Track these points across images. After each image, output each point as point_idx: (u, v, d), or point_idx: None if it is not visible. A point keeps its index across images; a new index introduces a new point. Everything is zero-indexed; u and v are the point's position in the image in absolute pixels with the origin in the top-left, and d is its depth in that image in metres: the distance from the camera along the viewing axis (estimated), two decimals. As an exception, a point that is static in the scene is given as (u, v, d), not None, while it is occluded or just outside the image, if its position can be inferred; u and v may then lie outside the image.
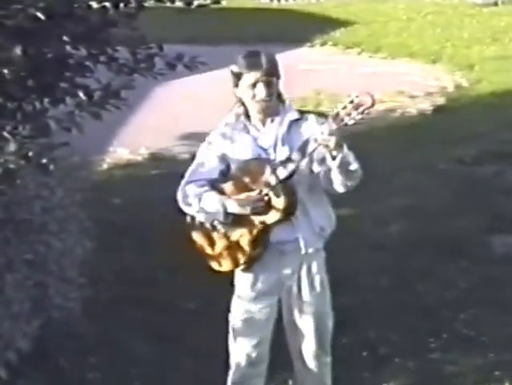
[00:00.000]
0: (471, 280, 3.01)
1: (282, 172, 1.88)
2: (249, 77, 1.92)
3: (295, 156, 1.86)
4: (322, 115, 1.97)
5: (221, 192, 1.96)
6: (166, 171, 4.43)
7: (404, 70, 7.10)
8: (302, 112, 2.00)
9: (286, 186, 1.90)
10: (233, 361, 2.10)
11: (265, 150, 1.96)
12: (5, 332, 2.09)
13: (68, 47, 2.02)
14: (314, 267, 2.01)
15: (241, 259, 1.97)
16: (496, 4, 10.18)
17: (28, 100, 2.05)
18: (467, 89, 6.33)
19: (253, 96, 1.93)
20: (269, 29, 8.50)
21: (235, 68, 1.94)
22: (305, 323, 2.04)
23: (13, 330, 2.10)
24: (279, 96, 1.99)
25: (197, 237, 2.02)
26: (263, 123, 1.98)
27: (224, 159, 1.99)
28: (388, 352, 2.52)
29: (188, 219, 2.03)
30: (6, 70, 1.91)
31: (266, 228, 1.94)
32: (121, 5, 2.08)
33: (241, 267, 2.00)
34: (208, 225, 1.99)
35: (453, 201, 3.78)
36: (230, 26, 8.87)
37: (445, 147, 4.62)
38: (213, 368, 2.40)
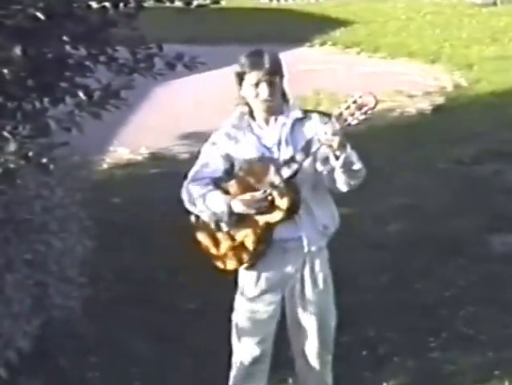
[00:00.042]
0: (470, 279, 3.02)
1: (286, 172, 1.89)
2: (252, 76, 1.92)
3: (299, 156, 1.87)
4: (325, 114, 1.97)
5: (226, 192, 1.96)
6: (166, 170, 4.43)
7: (403, 69, 7.11)
8: (305, 111, 2.00)
9: (290, 185, 1.90)
10: (235, 358, 2.10)
11: (268, 149, 1.97)
12: (5, 331, 2.09)
13: (68, 47, 2.02)
14: (318, 265, 2.01)
15: (246, 258, 1.98)
16: (495, 4, 10.18)
17: (28, 100, 2.05)
18: (466, 89, 6.33)
19: (256, 95, 1.94)
20: (268, 29, 8.50)
21: (238, 67, 1.95)
22: (308, 321, 2.04)
23: (13, 329, 2.11)
24: (283, 95, 1.99)
25: (201, 237, 2.03)
26: (267, 122, 1.99)
27: (228, 157, 2.00)
28: (388, 351, 2.53)
29: (193, 219, 2.04)
30: (5, 70, 1.91)
31: (270, 227, 1.95)
32: (121, 5, 2.08)
33: (245, 265, 2.00)
34: (212, 225, 1.99)
35: (453, 201, 3.79)
36: (230, 25, 8.87)
37: (444, 147, 4.63)
38: (213, 368, 2.40)
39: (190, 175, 2.03)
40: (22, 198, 2.33)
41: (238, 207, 1.93)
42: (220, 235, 1.99)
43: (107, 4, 2.05)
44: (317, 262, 2.01)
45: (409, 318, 2.74)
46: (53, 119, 1.98)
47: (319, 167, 1.93)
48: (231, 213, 1.93)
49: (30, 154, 1.85)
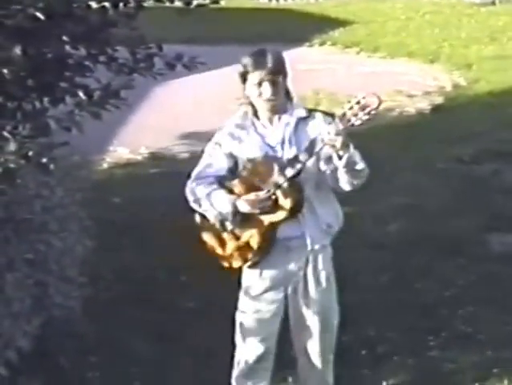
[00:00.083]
0: (469, 278, 3.02)
1: (290, 172, 1.90)
2: (255, 76, 1.93)
3: (302, 156, 1.88)
4: (328, 114, 1.98)
5: (230, 191, 1.97)
6: (166, 170, 4.44)
7: (402, 69, 7.11)
8: (309, 110, 2.01)
9: (293, 184, 1.91)
10: (238, 356, 2.11)
11: (272, 148, 1.97)
12: (5, 331, 2.09)
13: (68, 47, 2.03)
14: (321, 263, 2.02)
15: (251, 257, 1.99)
16: (494, 3, 10.20)
17: (28, 100, 2.06)
18: (465, 88, 6.34)
19: (260, 95, 1.94)
20: (268, 29, 8.51)
21: (241, 67, 1.96)
22: (310, 320, 2.05)
23: (13, 328, 2.11)
24: (287, 94, 1.99)
25: (207, 237, 2.04)
26: (271, 121, 1.99)
27: (232, 156, 2.00)
28: (387, 350, 2.53)
29: (198, 219, 2.05)
30: (5, 70, 1.92)
31: (274, 227, 1.96)
32: (120, 5, 2.09)
33: (249, 264, 2.01)
34: (217, 223, 1.99)
35: (452, 200, 3.79)
36: (229, 25, 8.88)
37: (444, 147, 4.64)
38: (213, 367, 2.41)
39: (194, 173, 2.04)
40: (23, 198, 2.34)
41: (243, 207, 1.94)
42: (226, 235, 1.99)
43: (106, 4, 2.05)
44: (320, 261, 2.01)
45: (409, 317, 2.74)
46: (53, 118, 1.99)
47: (323, 166, 1.94)
48: (236, 213, 1.94)
49: (30, 154, 1.85)
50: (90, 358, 2.49)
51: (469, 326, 2.67)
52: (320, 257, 2.01)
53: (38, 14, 1.89)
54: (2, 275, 2.13)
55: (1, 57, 1.92)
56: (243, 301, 2.06)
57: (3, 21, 1.93)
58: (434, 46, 7.86)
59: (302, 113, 1.98)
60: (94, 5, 2.03)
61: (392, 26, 9.15)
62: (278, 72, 1.94)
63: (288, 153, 1.94)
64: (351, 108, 1.78)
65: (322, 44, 8.47)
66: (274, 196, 1.92)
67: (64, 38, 2.00)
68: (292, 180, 1.90)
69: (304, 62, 7.10)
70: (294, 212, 1.93)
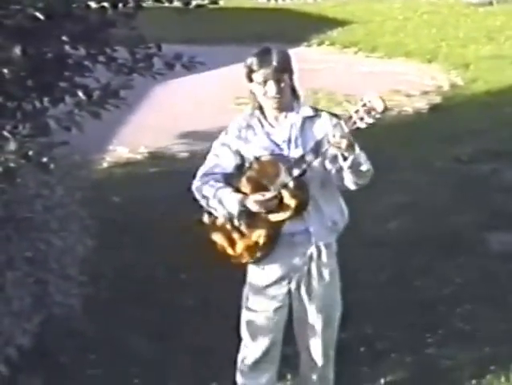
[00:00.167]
0: (468, 276, 3.03)
1: (295, 171, 1.91)
2: (260, 74, 1.94)
3: (309, 156, 1.89)
4: (334, 115, 1.99)
5: (236, 189, 1.98)
6: (165, 169, 4.45)
7: (400, 69, 7.13)
8: (316, 110, 2.02)
9: (299, 183, 1.93)
10: (244, 349, 2.12)
11: (278, 146, 1.99)
12: (5, 329, 2.11)
13: (67, 47, 2.04)
14: (325, 258, 2.03)
15: (258, 254, 2.01)
16: (491, 3, 10.22)
17: (28, 100, 2.07)
18: (462, 88, 6.36)
19: (265, 93, 1.96)
20: (266, 29, 8.52)
21: (247, 65, 1.97)
22: (313, 315, 2.06)
23: (13, 326, 2.12)
24: (293, 92, 2.00)
25: (217, 237, 2.05)
26: (277, 119, 2.00)
27: (238, 153, 2.02)
28: (386, 347, 2.54)
29: (207, 219, 2.06)
30: (5, 70, 1.93)
31: (279, 225, 1.97)
32: (120, 5, 2.10)
33: (254, 260, 2.03)
34: (225, 220, 2.01)
35: (450, 199, 3.81)
36: (228, 25, 8.89)
37: (441, 146, 4.65)
38: (213, 365, 2.42)
39: (201, 171, 2.05)
40: (23, 197, 2.35)
41: (251, 206, 1.96)
42: (235, 235, 2.01)
43: (106, 4, 2.07)
44: (324, 256, 2.03)
45: (407, 314, 2.75)
46: (53, 118, 2.00)
47: (328, 165, 1.95)
48: (243, 212, 1.96)
49: (31, 153, 1.86)
50: (90, 356, 2.50)
51: (467, 324, 2.68)
52: (324, 253, 2.03)
53: (38, 14, 1.91)
54: (2, 273, 2.14)
55: (1, 57, 1.93)
56: (248, 296, 2.08)
57: (3, 21, 1.94)
58: (432, 46, 7.88)
59: (309, 112, 1.99)
60: (93, 5, 2.04)
61: (390, 25, 9.17)
62: (283, 70, 1.95)
63: (294, 152, 1.96)
64: (357, 111, 1.79)
65: (320, 44, 8.49)
66: (279, 196, 1.93)
67: (64, 38, 2.01)
68: (297, 178, 1.92)
69: (302, 62, 7.11)
70: (300, 210, 1.95)
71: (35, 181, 2.44)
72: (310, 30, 8.73)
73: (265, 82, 1.94)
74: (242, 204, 1.95)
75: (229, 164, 2.02)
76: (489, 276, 3.04)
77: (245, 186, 1.99)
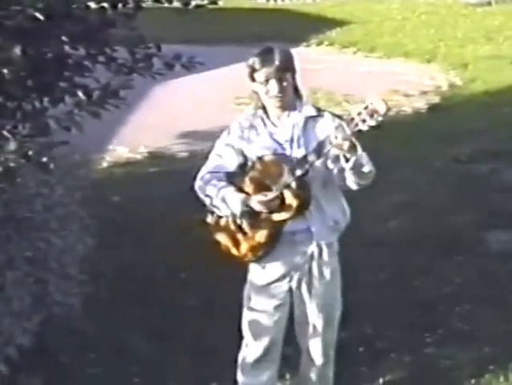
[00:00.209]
0: (467, 276, 3.04)
1: (298, 172, 1.92)
2: (262, 73, 1.95)
3: (311, 157, 1.90)
4: (336, 116, 2.00)
5: (239, 189, 1.99)
6: (165, 169, 4.46)
7: (399, 69, 7.15)
8: (318, 109, 2.03)
9: (301, 183, 1.93)
10: (245, 348, 2.12)
11: (281, 145, 1.99)
12: (5, 328, 2.11)
13: (67, 47, 2.04)
14: (326, 257, 2.04)
15: (259, 252, 2.02)
16: (490, 4, 10.24)
17: (28, 100, 2.07)
18: (461, 88, 6.37)
19: (267, 92, 1.96)
20: (265, 29, 8.53)
21: (250, 64, 1.97)
22: (313, 314, 2.07)
23: (13, 326, 2.13)
24: (296, 91, 2.01)
25: (221, 238, 2.06)
26: (279, 118, 2.01)
27: (241, 153, 2.02)
28: (385, 347, 2.55)
29: (211, 219, 2.07)
30: (5, 70, 1.93)
31: (281, 224, 1.99)
32: (119, 5, 2.10)
33: (256, 258, 2.04)
34: (228, 218, 2.02)
35: (449, 199, 3.81)
36: (227, 26, 8.91)
37: (440, 146, 4.66)
38: (213, 365, 2.42)
39: (203, 170, 2.06)
40: (23, 196, 2.35)
41: (254, 206, 1.97)
42: (240, 236, 2.02)
43: (105, 4, 2.07)
44: (326, 255, 2.04)
45: (406, 314, 2.76)
46: (53, 118, 2.01)
47: (330, 165, 1.96)
48: (246, 212, 1.97)
49: (30, 153, 1.87)
50: (90, 356, 2.50)
51: (466, 324, 2.69)
52: (326, 252, 2.03)
53: (38, 15, 1.91)
54: (2, 273, 2.14)
55: (1, 57, 1.93)
56: (249, 295, 2.09)
57: (3, 21, 1.95)
58: (430, 46, 7.90)
59: (312, 112, 2.00)
60: (93, 5, 2.05)
61: (389, 26, 9.19)
62: (285, 69, 1.95)
63: (296, 152, 1.96)
64: (359, 113, 1.79)
65: (319, 44, 8.50)
66: (281, 196, 1.94)
67: (63, 38, 2.01)
68: (300, 178, 1.93)
69: (301, 62, 7.11)
70: (301, 210, 1.96)
71: (35, 181, 2.45)
72: (309, 31, 8.75)
73: (267, 81, 1.94)
74: (245, 204, 1.96)
75: (231, 163, 2.02)
76: (488, 276, 3.04)
77: (247, 186, 2.00)
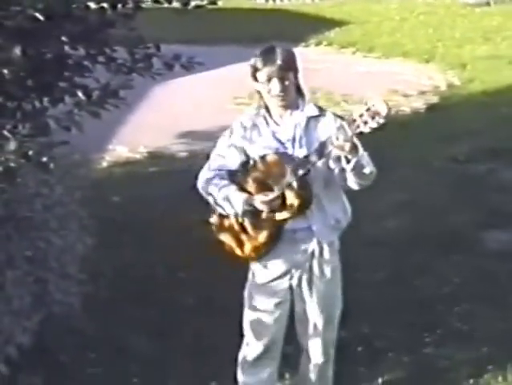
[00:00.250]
0: (465, 276, 3.04)
1: (300, 171, 1.93)
2: (264, 72, 1.96)
3: (313, 157, 1.91)
4: (338, 116, 2.00)
5: (241, 188, 2.00)
6: (164, 168, 4.47)
7: (397, 69, 7.16)
8: (321, 109, 2.03)
9: (302, 183, 1.94)
10: (245, 346, 2.13)
11: (283, 144, 2.00)
12: (5, 327, 2.11)
13: (67, 47, 2.05)
14: (327, 255, 2.05)
15: (263, 252, 2.03)
16: (488, 4, 10.26)
17: (28, 100, 2.08)
18: (459, 88, 6.38)
19: (269, 91, 1.97)
20: (265, 29, 8.54)
21: (252, 64, 1.98)
22: (314, 311, 2.08)
23: (13, 325, 2.13)
24: (298, 90, 2.01)
25: (225, 238, 2.07)
26: (282, 117, 2.02)
27: (243, 151, 2.03)
28: (383, 347, 2.55)
29: (215, 220, 2.07)
30: (5, 70, 1.94)
31: (282, 223, 1.99)
32: (119, 5, 2.11)
33: (258, 258, 2.05)
34: (232, 217, 2.02)
35: (448, 198, 3.82)
36: (227, 26, 8.92)
37: (439, 146, 4.67)
38: (213, 365, 2.42)
39: (206, 168, 2.06)
40: (23, 196, 2.36)
41: (256, 206, 1.98)
42: (244, 237, 2.03)
43: (105, 5, 2.08)
44: (326, 253, 2.05)
45: (405, 314, 2.76)
46: (52, 118, 2.01)
47: (332, 164, 1.97)
48: (247, 211, 1.98)
49: (30, 153, 1.87)
50: (89, 355, 2.50)
51: (465, 323, 2.69)
52: (326, 250, 2.04)
53: (38, 15, 1.92)
54: (2, 272, 2.15)
55: (1, 57, 1.94)
56: (249, 293, 2.09)
57: (3, 22, 1.96)
58: (429, 46, 7.91)
59: (314, 111, 2.01)
60: (92, 5, 2.05)
61: (387, 26, 9.21)
62: (287, 68, 1.96)
63: (298, 152, 1.97)
64: (361, 115, 1.80)
65: (318, 44, 8.51)
66: (283, 195, 1.95)
67: (63, 38, 2.02)
68: (301, 178, 1.94)
69: (300, 62, 7.13)
70: (302, 209, 1.97)
71: (35, 181, 2.46)
72: (307, 31, 8.76)
73: (269, 80, 1.95)
74: (247, 204, 1.97)
75: (234, 162, 2.03)
76: (486, 275, 3.04)
77: (249, 185, 2.01)
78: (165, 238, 3.28)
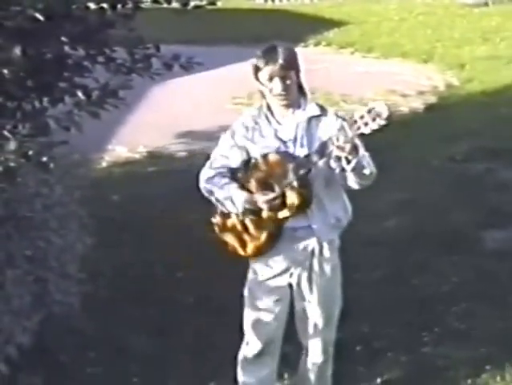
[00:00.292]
0: (463, 275, 3.05)
1: (301, 171, 1.94)
2: (266, 71, 1.96)
3: (314, 157, 1.92)
4: (339, 117, 2.01)
5: (242, 185, 2.01)
6: (164, 168, 4.48)
7: (396, 69, 7.17)
8: (322, 108, 2.04)
9: (303, 182, 1.95)
10: (245, 344, 2.13)
11: (284, 143, 2.01)
12: (5, 327, 2.12)
13: (67, 48, 2.06)
14: (327, 254, 2.05)
15: (264, 251, 2.04)
16: (487, 4, 10.27)
17: (28, 100, 2.09)
18: (458, 88, 6.39)
19: (271, 90, 1.98)
20: (264, 29, 8.54)
21: (254, 63, 1.99)
22: (314, 310, 2.08)
23: (13, 325, 2.13)
24: (300, 89, 2.02)
25: (228, 238, 2.08)
26: (284, 116, 2.02)
27: (245, 150, 2.04)
28: (382, 346, 2.56)
29: (217, 220, 2.08)
30: (5, 70, 1.95)
31: (282, 222, 2.01)
32: (118, 6, 2.12)
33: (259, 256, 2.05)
34: (234, 215, 2.03)
35: (446, 197, 3.83)
36: (226, 26, 8.92)
37: (437, 145, 4.68)
38: (212, 364, 2.43)
39: (207, 167, 2.07)
40: (23, 196, 2.37)
41: (257, 204, 1.98)
42: (246, 237, 2.04)
43: (104, 5, 2.08)
44: (326, 251, 2.05)
45: (403, 313, 2.77)
46: (52, 118, 2.02)
47: (333, 164, 1.98)
48: (248, 210, 1.99)
49: (30, 153, 1.88)
50: (89, 354, 2.51)
51: (463, 323, 2.70)
52: (326, 248, 2.05)
53: (38, 15, 1.92)
54: (2, 271, 2.15)
55: (1, 57, 1.95)
56: (249, 291, 2.10)
57: (3, 22, 1.96)
58: (427, 47, 7.92)
59: (315, 111, 2.01)
60: (92, 6, 2.06)
61: (386, 26, 9.22)
62: (289, 67, 1.96)
63: (299, 151, 1.98)
64: (362, 117, 1.81)
65: (317, 44, 8.52)
66: (283, 194, 1.96)
67: (63, 38, 2.03)
68: (302, 177, 1.95)
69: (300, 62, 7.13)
70: (303, 208, 1.98)
71: (35, 180, 2.46)
72: (306, 31, 8.77)
73: (271, 79, 1.96)
74: (248, 202, 1.98)
75: (235, 160, 2.04)
76: (484, 274, 3.05)
77: (251, 184, 2.01)
78: (164, 237, 3.29)
